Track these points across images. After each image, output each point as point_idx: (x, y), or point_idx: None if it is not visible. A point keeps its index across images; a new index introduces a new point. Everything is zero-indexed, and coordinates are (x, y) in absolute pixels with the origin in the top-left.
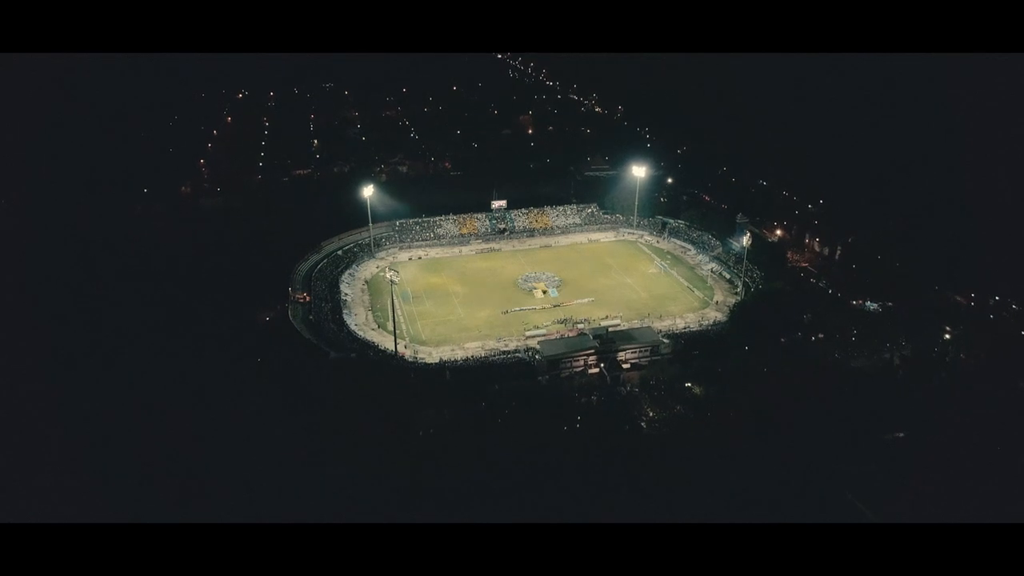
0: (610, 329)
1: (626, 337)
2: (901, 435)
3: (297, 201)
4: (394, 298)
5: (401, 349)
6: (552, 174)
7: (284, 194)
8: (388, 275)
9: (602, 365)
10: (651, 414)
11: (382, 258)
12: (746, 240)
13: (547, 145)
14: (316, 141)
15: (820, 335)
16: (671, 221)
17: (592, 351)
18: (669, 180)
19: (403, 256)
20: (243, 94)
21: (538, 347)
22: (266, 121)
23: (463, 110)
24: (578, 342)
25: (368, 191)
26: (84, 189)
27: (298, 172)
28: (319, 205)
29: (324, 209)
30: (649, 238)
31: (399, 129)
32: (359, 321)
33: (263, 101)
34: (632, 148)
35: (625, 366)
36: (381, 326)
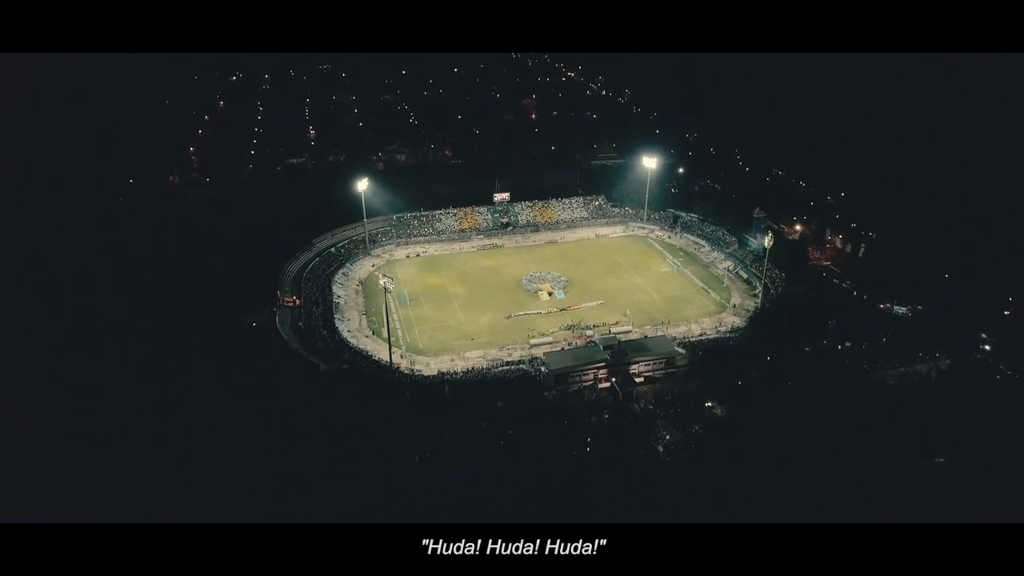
0: (621, 339)
1: (639, 348)
2: (941, 460)
3: (290, 193)
4: (388, 307)
5: (397, 359)
6: (557, 163)
7: (276, 185)
8: (382, 282)
9: (613, 380)
10: (668, 437)
11: (378, 255)
12: (767, 240)
13: (551, 131)
14: (311, 128)
15: (847, 343)
16: (683, 215)
17: (602, 364)
18: (680, 170)
19: (400, 253)
20: (237, 76)
21: (544, 359)
22: (260, 105)
23: (464, 93)
24: (587, 354)
25: (362, 185)
26: (66, 180)
27: (291, 161)
28: (312, 197)
29: (318, 202)
30: (660, 233)
31: (397, 114)
32: (352, 327)
33: (258, 83)
34: (640, 135)
35: (638, 380)
36: (375, 332)
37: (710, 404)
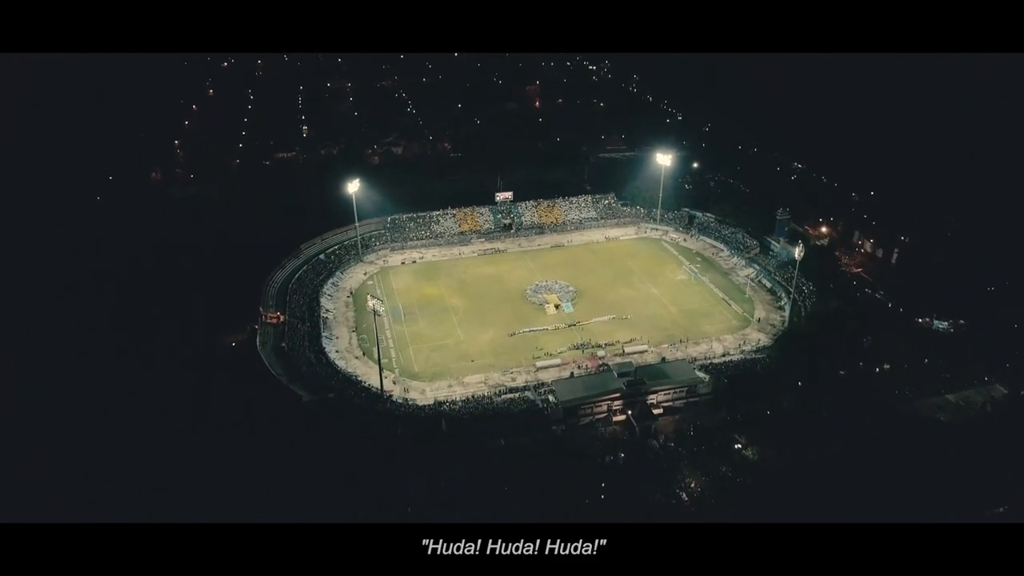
0: (636, 361)
1: (657, 374)
2: (1002, 510)
3: (278, 191)
4: (378, 331)
5: (389, 386)
6: (563, 156)
7: (264, 182)
8: (371, 304)
9: (629, 412)
10: (692, 483)
11: (371, 262)
12: (798, 251)
13: (557, 120)
14: (304, 117)
15: (885, 366)
16: (699, 214)
17: (617, 394)
18: (695, 164)
19: (395, 259)
20: (229, 62)
21: (552, 387)
22: (251, 94)
23: (464, 79)
24: (600, 382)
25: (353, 186)
26: (39, 176)
27: (281, 155)
28: (302, 196)
29: (308, 201)
30: (675, 235)
31: (395, 102)
32: (341, 346)
33: (250, 69)
34: (650, 125)
35: (657, 411)
36: (366, 353)
37: (739, 445)
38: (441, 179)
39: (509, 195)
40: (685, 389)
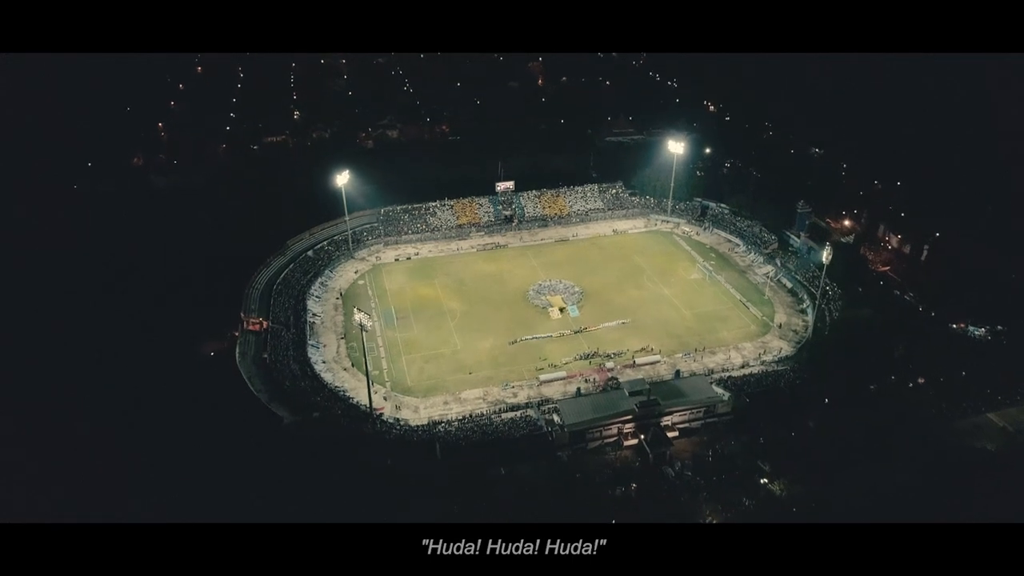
0: (647, 371)
1: (672, 392)
2: None
3: (266, 179)
4: (366, 347)
5: (379, 402)
6: (567, 138)
7: (252, 169)
8: (357, 318)
9: (642, 437)
10: (712, 520)
11: (363, 258)
12: (825, 254)
13: (560, 100)
14: (295, 96)
15: (920, 380)
16: (712, 205)
17: (629, 416)
18: (707, 150)
19: (389, 255)
20: None
21: (556, 405)
22: (240, 71)
23: (464, 56)
24: (610, 402)
25: (343, 178)
26: (11, 161)
27: (271, 139)
28: (291, 185)
29: (296, 190)
30: (687, 228)
31: (391, 79)
32: (328, 355)
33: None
34: (659, 105)
35: (672, 434)
36: (356, 363)
37: (765, 479)
38: (438, 166)
39: (510, 185)
40: (703, 409)
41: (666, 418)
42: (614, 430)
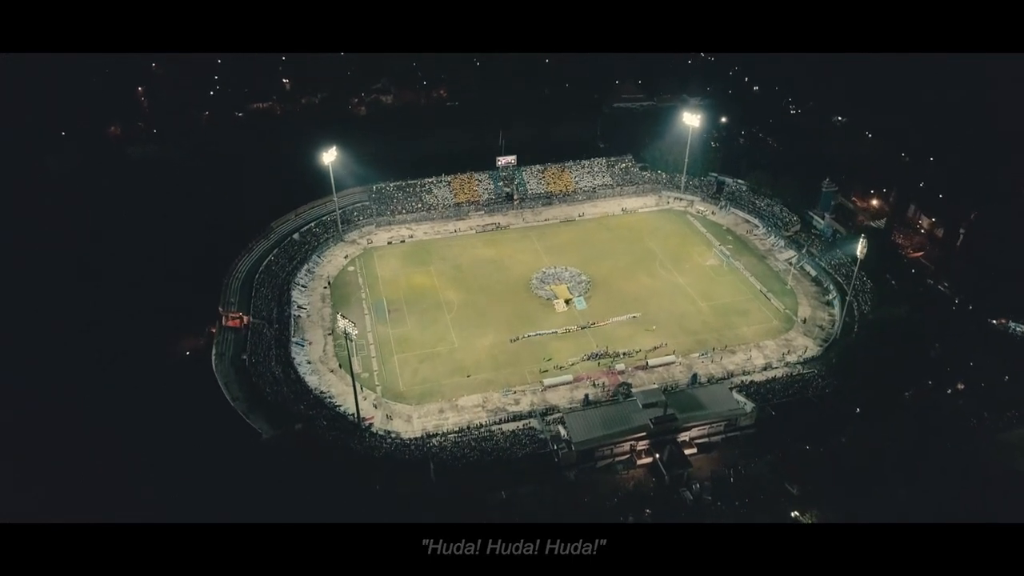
0: (663, 377)
1: (690, 404)
2: None
3: (250, 151)
4: (351, 355)
5: (369, 409)
6: (573, 105)
7: (235, 139)
8: (341, 325)
9: (657, 456)
10: None
11: (353, 241)
12: (860, 248)
13: (564, 61)
14: (284, 57)
15: (959, 385)
16: (729, 181)
17: (643, 433)
18: (723, 119)
19: (381, 237)
20: None
21: (561, 414)
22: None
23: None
24: (621, 416)
25: (330, 155)
26: None
27: (256, 105)
28: (277, 157)
29: (283, 164)
30: (702, 206)
31: None
32: (314, 355)
33: None
34: (669, 68)
35: (690, 451)
36: (343, 364)
37: (795, 514)
38: (435, 137)
39: (512, 159)
40: (723, 424)
41: (683, 433)
42: (626, 447)
